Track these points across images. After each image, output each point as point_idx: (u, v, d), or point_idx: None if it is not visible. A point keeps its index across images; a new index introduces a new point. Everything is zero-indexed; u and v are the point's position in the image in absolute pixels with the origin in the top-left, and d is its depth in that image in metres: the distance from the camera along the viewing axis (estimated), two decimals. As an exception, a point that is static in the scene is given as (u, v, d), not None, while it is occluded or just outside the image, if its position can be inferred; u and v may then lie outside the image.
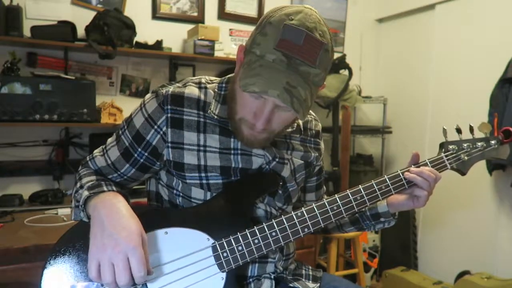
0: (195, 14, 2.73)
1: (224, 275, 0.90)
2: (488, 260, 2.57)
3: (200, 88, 0.98)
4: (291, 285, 1.03)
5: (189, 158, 0.94)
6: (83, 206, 0.89)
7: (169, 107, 0.93)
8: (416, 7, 3.05)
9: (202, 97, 0.96)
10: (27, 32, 2.15)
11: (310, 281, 1.07)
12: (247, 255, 0.91)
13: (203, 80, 1.00)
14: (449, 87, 2.83)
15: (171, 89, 0.95)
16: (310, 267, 1.14)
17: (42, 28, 2.15)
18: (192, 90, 0.96)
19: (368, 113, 3.48)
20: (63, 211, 2.01)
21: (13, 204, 2.09)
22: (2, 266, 1.59)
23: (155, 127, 0.94)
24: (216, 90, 0.98)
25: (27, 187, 2.26)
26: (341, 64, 2.89)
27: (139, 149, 0.96)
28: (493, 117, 2.36)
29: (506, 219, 2.50)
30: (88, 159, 1.03)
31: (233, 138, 0.96)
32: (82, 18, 2.30)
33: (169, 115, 0.93)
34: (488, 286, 2.24)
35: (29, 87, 2.02)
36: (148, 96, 0.97)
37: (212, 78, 1.03)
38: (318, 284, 1.08)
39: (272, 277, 1.00)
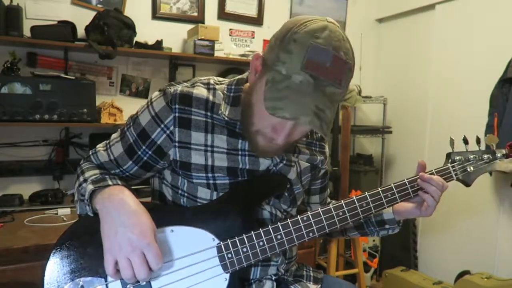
0: (195, 14, 2.73)
1: (227, 276, 0.90)
2: (488, 260, 2.56)
3: (209, 89, 0.96)
4: (292, 286, 1.03)
5: (196, 158, 0.93)
6: (88, 200, 0.88)
7: (177, 106, 0.92)
8: (416, 7, 3.04)
9: (211, 98, 0.95)
10: (27, 32, 2.15)
11: (311, 283, 1.08)
12: (251, 257, 0.90)
13: (211, 81, 0.98)
14: (449, 87, 2.83)
15: (179, 88, 0.94)
16: (311, 268, 1.14)
17: (42, 28, 2.15)
18: (200, 91, 0.95)
19: (368, 113, 3.48)
20: (63, 211, 2.02)
21: (13, 204, 2.09)
22: (2, 266, 1.59)
23: (162, 126, 0.93)
24: (225, 92, 0.96)
25: (27, 187, 2.26)
26: (341, 64, 2.88)
27: (144, 147, 0.95)
28: (493, 117, 2.36)
29: (506, 219, 2.50)
30: (90, 153, 1.02)
31: (240, 139, 0.95)
32: (82, 18, 2.30)
33: (176, 114, 0.92)
34: (488, 286, 2.23)
35: (29, 87, 2.02)
36: (155, 94, 0.96)
37: (220, 79, 1.01)
38: (319, 286, 1.08)
39: (274, 278, 1.00)
